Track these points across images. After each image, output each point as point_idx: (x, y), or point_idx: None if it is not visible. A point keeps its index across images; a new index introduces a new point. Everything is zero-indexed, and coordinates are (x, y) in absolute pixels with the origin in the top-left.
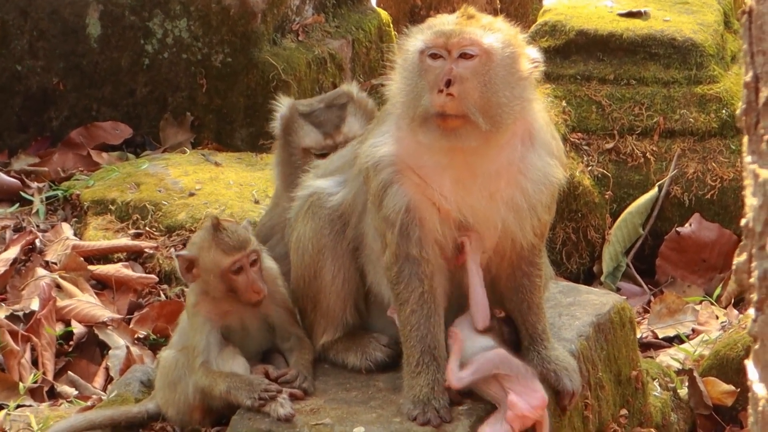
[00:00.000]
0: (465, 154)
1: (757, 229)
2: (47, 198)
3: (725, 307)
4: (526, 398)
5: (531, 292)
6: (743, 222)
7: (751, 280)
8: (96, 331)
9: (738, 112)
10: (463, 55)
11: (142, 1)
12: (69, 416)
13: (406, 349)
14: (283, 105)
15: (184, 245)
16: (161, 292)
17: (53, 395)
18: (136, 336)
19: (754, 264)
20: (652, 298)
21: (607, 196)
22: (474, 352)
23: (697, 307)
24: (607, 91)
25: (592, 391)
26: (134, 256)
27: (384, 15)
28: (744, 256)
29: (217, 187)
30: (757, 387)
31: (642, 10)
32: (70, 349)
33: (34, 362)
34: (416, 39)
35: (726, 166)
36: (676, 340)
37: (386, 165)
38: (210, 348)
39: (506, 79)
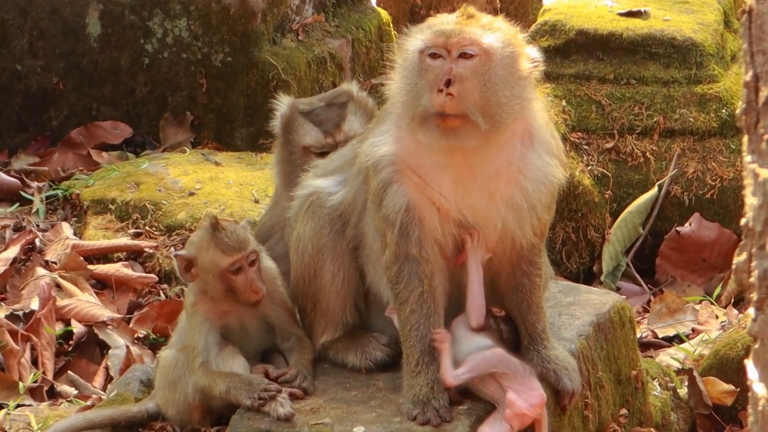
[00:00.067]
0: (465, 154)
1: (757, 228)
2: (47, 197)
3: (725, 307)
4: (525, 397)
5: (531, 291)
6: (743, 221)
7: (751, 279)
8: (96, 331)
9: (738, 111)
10: (463, 55)
11: (142, 0)
12: (69, 416)
13: (405, 349)
14: (283, 103)
15: (184, 245)
16: (161, 292)
17: (53, 395)
18: (135, 335)
19: (754, 263)
20: (651, 298)
21: (606, 196)
22: (471, 352)
23: (697, 307)
24: (606, 91)
25: (592, 391)
26: (134, 255)
27: (384, 14)
28: (744, 256)
29: (217, 186)
30: (757, 386)
31: (642, 10)
32: (70, 349)
33: (34, 362)
34: (416, 38)
35: (726, 166)
36: (676, 339)
37: (386, 164)
38: (209, 348)
39: (506, 79)
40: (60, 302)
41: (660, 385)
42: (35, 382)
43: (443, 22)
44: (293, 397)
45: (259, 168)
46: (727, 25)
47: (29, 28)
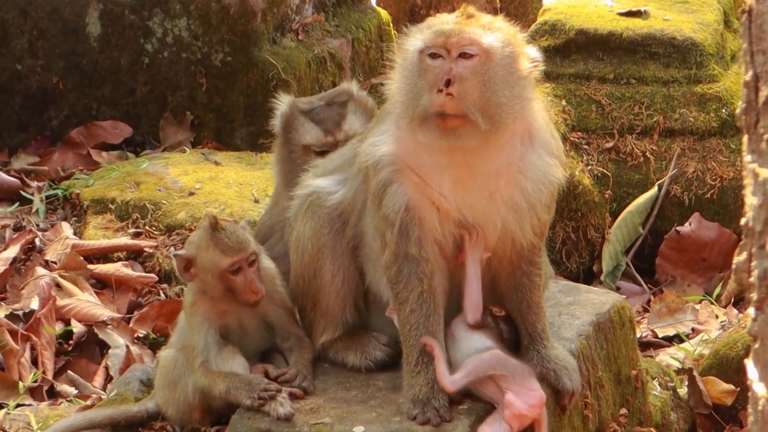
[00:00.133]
0: (464, 154)
1: (757, 228)
2: (47, 197)
3: (725, 307)
4: (524, 397)
5: (531, 291)
6: (743, 221)
7: (751, 279)
8: (96, 330)
9: (738, 111)
10: (463, 55)
11: (142, 0)
12: (69, 415)
13: (405, 349)
14: (283, 102)
15: (184, 244)
16: (161, 292)
17: (53, 394)
18: (135, 335)
19: (754, 263)
20: (651, 298)
21: (606, 196)
22: (470, 351)
23: (697, 307)
24: (606, 91)
25: (592, 391)
26: (134, 255)
27: (384, 14)
28: (744, 255)
29: (217, 186)
30: (757, 386)
31: (642, 10)
32: (70, 349)
33: (34, 361)
34: (416, 38)
35: (726, 166)
36: (676, 339)
37: (386, 164)
38: (209, 347)
39: (506, 79)
40: (60, 302)
41: (660, 384)
42: (35, 381)
43: (443, 21)
44: (293, 396)
45: (259, 168)
46: (727, 25)
47: (29, 28)
